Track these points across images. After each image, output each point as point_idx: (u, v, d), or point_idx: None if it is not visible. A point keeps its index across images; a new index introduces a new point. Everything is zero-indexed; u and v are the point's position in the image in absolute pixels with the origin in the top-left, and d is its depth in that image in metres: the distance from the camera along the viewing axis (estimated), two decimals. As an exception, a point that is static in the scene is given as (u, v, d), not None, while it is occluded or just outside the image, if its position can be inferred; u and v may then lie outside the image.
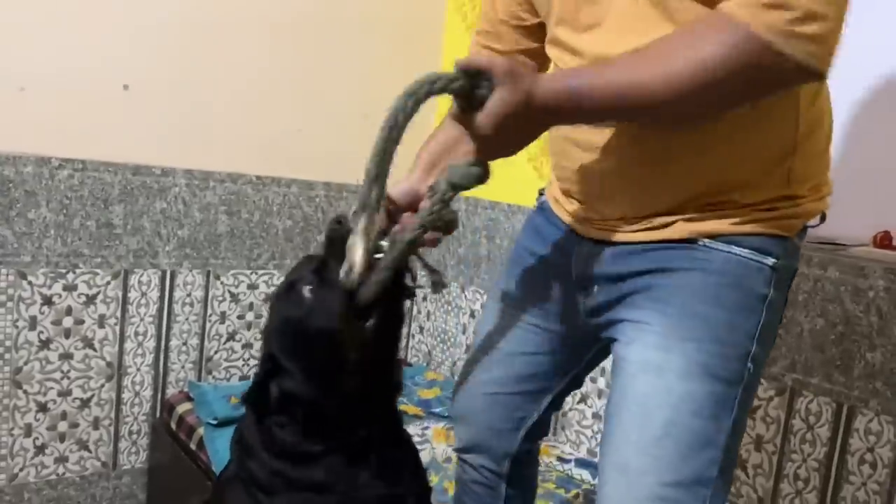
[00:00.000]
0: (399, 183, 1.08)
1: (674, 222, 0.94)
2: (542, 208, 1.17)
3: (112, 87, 2.00)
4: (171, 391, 2.21)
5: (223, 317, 2.27)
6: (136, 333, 2.13)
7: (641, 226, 0.96)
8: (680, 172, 0.93)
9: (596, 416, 2.04)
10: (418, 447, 1.95)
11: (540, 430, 1.22)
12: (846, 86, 1.80)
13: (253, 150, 2.25)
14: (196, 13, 2.08)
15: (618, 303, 0.99)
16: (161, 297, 2.16)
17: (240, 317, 2.30)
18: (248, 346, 2.33)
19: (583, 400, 2.07)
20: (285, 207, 2.32)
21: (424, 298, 2.66)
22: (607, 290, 1.00)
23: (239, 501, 1.19)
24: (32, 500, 2.05)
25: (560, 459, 1.98)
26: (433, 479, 1.82)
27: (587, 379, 1.27)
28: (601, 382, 2.02)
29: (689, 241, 0.93)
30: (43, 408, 2.02)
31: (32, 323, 1.97)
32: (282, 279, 1.16)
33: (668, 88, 0.79)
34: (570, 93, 0.82)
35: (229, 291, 2.27)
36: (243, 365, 2.34)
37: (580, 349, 1.15)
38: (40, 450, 2.04)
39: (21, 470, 2.02)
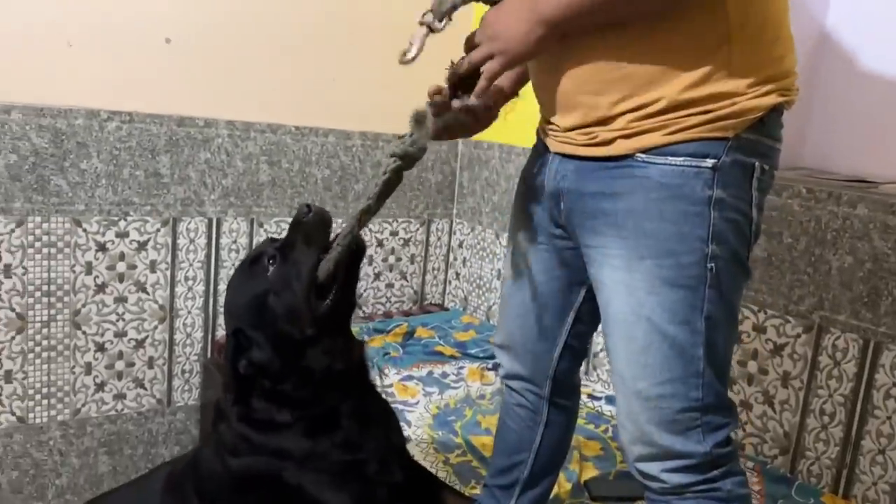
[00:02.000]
0: None
1: (613, 139, 0.99)
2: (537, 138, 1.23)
3: (154, 41, 2.08)
4: (220, 332, 2.32)
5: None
6: (186, 278, 2.24)
7: (589, 139, 1.02)
8: (608, 69, 0.97)
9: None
10: (454, 386, 2.05)
11: (575, 350, 1.28)
12: (881, 25, 1.78)
13: (291, 101, 2.31)
14: (233, -34, 2.14)
15: (585, 225, 1.05)
16: (208, 244, 2.26)
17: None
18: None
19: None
20: (324, 157, 2.39)
21: (460, 245, 2.72)
22: (574, 206, 1.07)
23: (207, 459, 1.34)
24: (94, 434, 2.19)
25: (591, 397, 2.04)
26: (467, 414, 1.90)
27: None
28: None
29: (628, 157, 0.98)
30: (101, 348, 2.15)
31: (88, 268, 2.09)
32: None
33: None
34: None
35: (272, 238, 2.36)
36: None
37: (578, 263, 1.19)
38: (100, 387, 2.17)
39: (83, 405, 2.16)
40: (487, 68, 1.00)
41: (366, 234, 2.54)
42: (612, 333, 1.04)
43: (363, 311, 2.59)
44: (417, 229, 2.68)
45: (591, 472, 1.66)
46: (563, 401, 1.31)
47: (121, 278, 2.14)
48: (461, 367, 2.18)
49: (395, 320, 2.46)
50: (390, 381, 2.04)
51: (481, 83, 1.01)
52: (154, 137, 2.11)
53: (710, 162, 0.95)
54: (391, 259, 2.64)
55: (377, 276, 2.62)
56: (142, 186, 2.12)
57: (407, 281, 2.70)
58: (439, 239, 2.75)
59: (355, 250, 1.18)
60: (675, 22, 0.94)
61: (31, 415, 2.09)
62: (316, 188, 2.39)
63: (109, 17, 1.99)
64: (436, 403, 1.94)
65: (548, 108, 1.11)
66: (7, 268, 1.98)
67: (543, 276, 1.21)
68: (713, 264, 0.96)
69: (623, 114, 0.98)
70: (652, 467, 1.02)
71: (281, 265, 1.21)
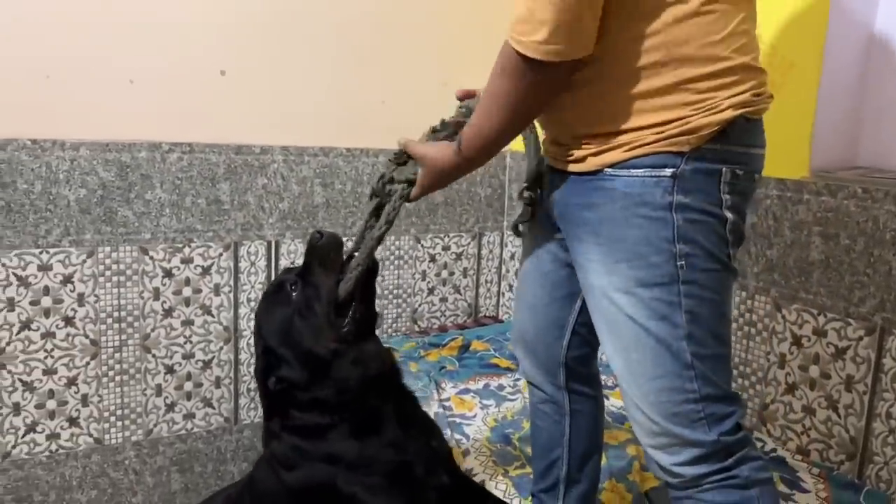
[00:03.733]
0: None
1: (585, 157, 1.07)
2: None
3: (210, 74, 2.16)
4: (281, 352, 2.39)
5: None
6: (249, 299, 2.32)
7: (570, 157, 1.10)
8: (574, 116, 1.09)
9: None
10: (511, 398, 2.07)
11: (584, 337, 1.32)
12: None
13: (342, 125, 2.38)
14: (282, 1, 2.22)
15: (571, 233, 1.14)
16: (268, 266, 2.33)
17: (339, 281, 2.46)
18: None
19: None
20: (375, 176, 2.44)
21: (512, 257, 2.74)
22: (562, 212, 1.16)
23: (262, 479, 1.41)
24: (166, 453, 2.28)
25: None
26: (524, 426, 1.92)
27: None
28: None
29: (599, 172, 1.06)
30: (170, 370, 2.24)
31: (156, 294, 2.18)
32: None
33: (500, 124, 1.07)
34: (455, 151, 1.14)
35: (288, 268, 2.42)
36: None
37: None
38: (170, 407, 2.26)
39: (155, 426, 2.25)
40: None
41: (418, 251, 2.59)
42: (603, 333, 1.11)
43: (418, 326, 2.64)
44: (469, 243, 2.71)
45: (652, 483, 1.66)
46: (582, 388, 1.36)
47: (187, 302, 2.23)
48: (517, 379, 2.20)
49: (451, 334, 2.49)
50: (447, 395, 2.07)
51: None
52: (213, 166, 2.20)
53: (668, 171, 1.01)
54: (444, 273, 2.68)
55: (431, 290, 2.66)
56: (204, 213, 2.21)
57: (461, 294, 2.73)
58: (491, 251, 2.78)
59: (371, 268, 1.30)
60: (598, 81, 1.03)
61: (107, 436, 2.19)
62: (368, 207, 2.44)
63: (167, 54, 2.09)
64: (493, 416, 1.96)
65: (545, 131, 1.25)
66: (81, 296, 2.08)
67: (551, 264, 1.28)
68: (682, 262, 1.01)
69: (590, 139, 1.07)
70: (666, 459, 1.06)
71: (303, 289, 1.31)
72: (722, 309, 1.07)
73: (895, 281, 1.62)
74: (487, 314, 2.80)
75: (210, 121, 2.18)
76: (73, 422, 2.13)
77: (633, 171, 1.02)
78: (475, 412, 1.98)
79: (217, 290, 2.27)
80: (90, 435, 2.16)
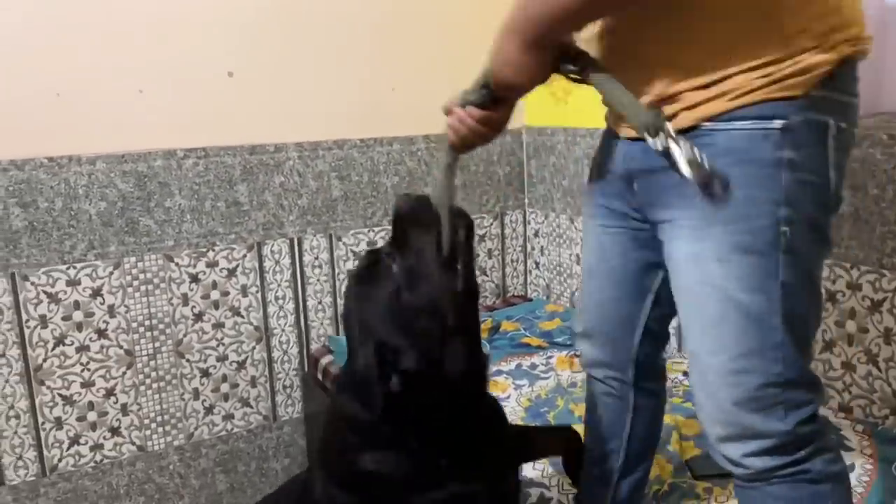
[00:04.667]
0: None
1: (676, 113, 0.96)
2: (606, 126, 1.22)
3: (218, 76, 2.16)
4: (314, 346, 2.41)
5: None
6: (276, 298, 2.33)
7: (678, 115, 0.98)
8: (660, 54, 0.96)
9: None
10: (544, 376, 2.06)
11: (656, 333, 1.26)
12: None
13: (353, 116, 2.37)
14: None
15: (656, 202, 1.04)
16: (292, 263, 2.34)
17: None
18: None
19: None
20: (391, 165, 2.44)
21: (536, 234, 2.72)
22: (645, 185, 1.06)
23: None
24: (209, 455, 2.31)
25: (685, 374, 2.01)
26: (559, 403, 1.91)
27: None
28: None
29: (694, 128, 0.95)
30: (205, 373, 2.26)
31: (185, 299, 2.20)
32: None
33: None
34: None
35: (351, 250, 2.42)
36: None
37: (654, 244, 1.15)
38: (209, 410, 2.29)
39: (195, 429, 2.28)
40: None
41: (441, 235, 2.58)
42: (685, 308, 1.03)
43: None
44: (491, 224, 2.69)
45: (692, 452, 1.64)
46: (649, 385, 1.29)
47: (216, 305, 2.25)
48: (550, 357, 2.19)
49: (481, 316, 2.48)
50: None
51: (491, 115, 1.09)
52: (229, 168, 2.20)
53: (778, 123, 0.91)
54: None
55: (458, 274, 2.65)
56: (224, 216, 2.21)
57: (487, 276, 2.72)
58: (514, 230, 2.76)
59: (468, 223, 1.14)
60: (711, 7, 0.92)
61: (149, 443, 2.22)
62: (386, 196, 2.44)
63: (172, 60, 2.09)
64: (527, 396, 1.96)
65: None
66: (111, 308, 2.11)
67: (620, 259, 1.20)
68: (787, 228, 0.93)
69: (682, 92, 0.96)
70: (734, 450, 1.00)
71: (403, 259, 1.07)
72: (816, 285, 1.00)
73: (929, 228, 1.57)
74: (516, 293, 2.78)
75: (222, 123, 2.18)
76: (114, 431, 2.17)
77: (736, 123, 0.92)
78: (509, 393, 1.97)
79: (244, 290, 2.28)
80: (133, 443, 2.20)
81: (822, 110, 0.93)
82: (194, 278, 2.21)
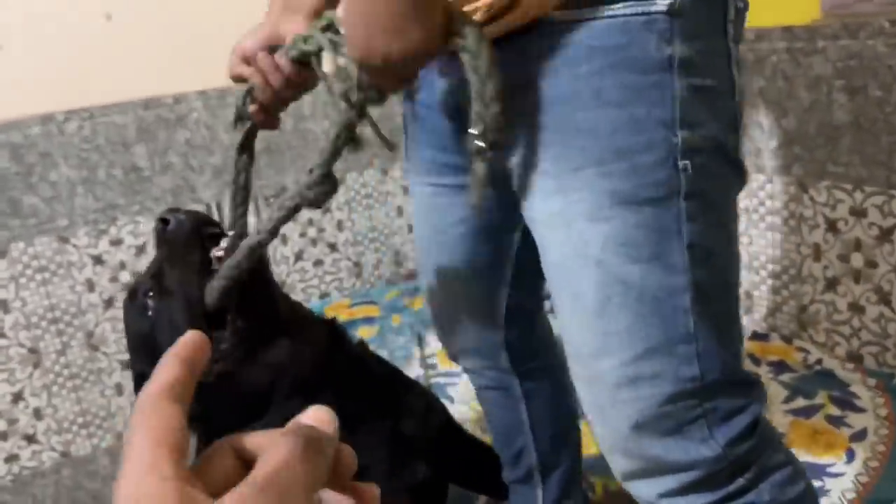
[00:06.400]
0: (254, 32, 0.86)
1: (514, 1, 0.63)
2: None
3: (94, 21, 1.84)
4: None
5: (284, 239, 2.14)
6: (198, 273, 2.05)
7: (484, 14, 0.64)
8: None
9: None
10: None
11: (523, 309, 0.98)
12: None
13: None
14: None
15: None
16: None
17: (302, 235, 2.17)
18: (318, 262, 2.21)
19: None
20: (318, 106, 2.13)
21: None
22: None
23: None
24: (144, 453, 2.07)
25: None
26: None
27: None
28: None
29: (542, 25, 0.65)
30: (127, 365, 2.00)
31: (90, 285, 1.92)
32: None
33: None
34: None
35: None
36: (319, 283, 2.22)
37: (502, 201, 0.84)
38: (136, 405, 2.04)
39: (125, 427, 2.03)
40: None
41: (387, 185, 2.28)
42: (555, 290, 0.72)
43: (404, 269, 2.35)
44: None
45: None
46: (532, 364, 1.02)
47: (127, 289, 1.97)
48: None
49: (437, 272, 2.20)
50: (432, 350, 1.79)
51: None
52: (121, 129, 1.90)
53: (662, 4, 0.62)
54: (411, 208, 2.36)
55: (411, 227, 2.35)
56: (123, 185, 1.92)
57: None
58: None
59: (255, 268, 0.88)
60: None
61: (72, 447, 1.98)
62: (317, 144, 2.13)
63: (37, 5, 1.76)
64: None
65: None
66: (4, 303, 1.83)
67: (458, 226, 0.89)
68: (686, 161, 0.64)
69: None
70: (646, 489, 0.71)
71: (159, 299, 0.94)
72: (733, 235, 0.71)
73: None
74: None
75: (106, 76, 1.87)
76: (30, 439, 1.92)
77: (598, 11, 0.63)
78: (461, 366, 1.70)
79: (158, 268, 2.00)
80: (53, 449, 1.95)
81: None
82: (97, 260, 1.92)
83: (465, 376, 1.65)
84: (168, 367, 0.36)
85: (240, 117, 0.86)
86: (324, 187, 0.71)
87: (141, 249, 1.96)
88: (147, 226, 1.96)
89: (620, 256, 0.65)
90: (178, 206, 1.94)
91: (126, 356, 1.94)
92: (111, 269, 1.94)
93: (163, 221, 0.93)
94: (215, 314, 0.89)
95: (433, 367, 1.71)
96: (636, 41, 0.62)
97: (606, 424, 0.71)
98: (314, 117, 2.12)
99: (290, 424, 0.35)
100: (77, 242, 1.89)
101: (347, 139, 0.68)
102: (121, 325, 1.92)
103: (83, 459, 2.00)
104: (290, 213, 0.74)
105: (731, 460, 0.68)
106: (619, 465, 0.72)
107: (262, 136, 2.07)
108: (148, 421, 0.33)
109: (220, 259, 0.87)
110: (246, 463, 0.34)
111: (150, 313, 0.93)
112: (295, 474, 0.31)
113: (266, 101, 0.80)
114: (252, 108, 0.82)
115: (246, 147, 0.91)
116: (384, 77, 0.62)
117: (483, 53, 0.58)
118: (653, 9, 0.62)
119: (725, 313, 0.69)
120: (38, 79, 1.80)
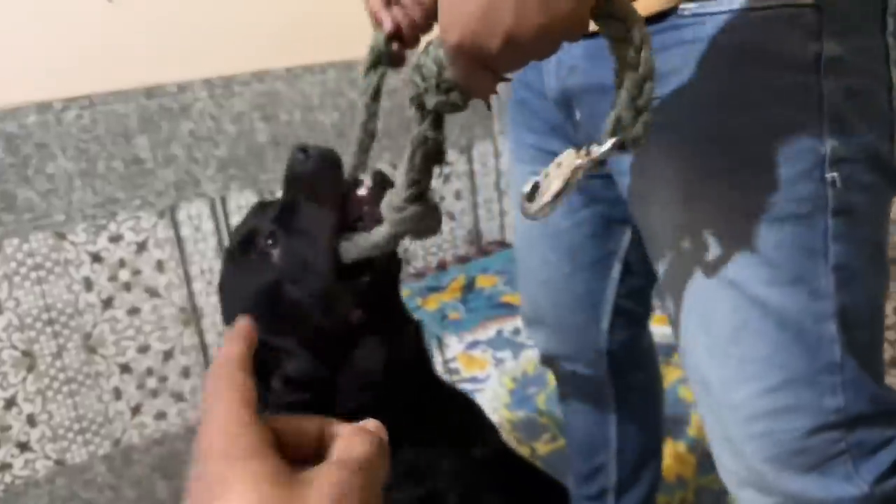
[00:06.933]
0: None
1: None
2: None
3: (95, 4, 1.73)
4: (255, 324, 2.04)
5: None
6: (202, 271, 1.95)
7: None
8: None
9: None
10: (529, 344, 1.68)
11: (630, 312, 0.91)
12: None
13: (275, 39, 1.95)
14: None
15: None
16: (217, 228, 1.95)
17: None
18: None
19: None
20: (327, 97, 2.04)
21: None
22: (591, 111, 0.67)
23: None
24: (143, 461, 1.97)
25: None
26: (550, 380, 1.56)
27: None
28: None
29: (668, 15, 0.57)
30: (125, 368, 1.90)
31: (87, 284, 1.82)
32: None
33: None
34: None
35: (262, 203, 2.04)
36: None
37: (613, 194, 0.79)
38: (136, 410, 1.93)
39: (123, 434, 1.93)
40: None
41: (395, 178, 2.18)
42: (680, 313, 0.65)
43: (413, 268, 2.25)
44: (457, 159, 2.30)
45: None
46: (633, 376, 0.95)
47: (127, 287, 1.86)
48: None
49: (451, 272, 2.11)
50: (453, 353, 1.71)
51: None
52: (122, 118, 1.79)
53: None
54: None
55: (421, 222, 2.27)
56: (123, 178, 1.81)
57: (456, 221, 2.34)
58: (484, 165, 2.37)
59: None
60: None
61: (68, 455, 1.87)
62: (326, 136, 2.05)
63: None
64: (510, 374, 1.60)
65: None
66: (-4, 303, 1.73)
67: (567, 219, 0.83)
68: (834, 173, 0.56)
69: None
70: None
71: (287, 241, 0.84)
72: (884, 252, 0.63)
73: None
74: (492, 240, 2.42)
75: (107, 63, 1.77)
76: (23, 447, 1.82)
77: (736, 3, 0.55)
78: (488, 371, 1.62)
79: (160, 266, 1.89)
80: (48, 457, 1.85)
81: None
82: (96, 257, 1.82)
83: (491, 382, 1.57)
84: (235, 342, 0.41)
85: (377, 62, 0.79)
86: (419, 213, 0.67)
87: (142, 246, 1.86)
88: (149, 221, 1.85)
89: (758, 278, 0.58)
90: (183, 199, 1.85)
91: (124, 359, 1.85)
92: (110, 267, 1.84)
93: (302, 151, 0.84)
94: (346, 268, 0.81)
95: (456, 371, 1.62)
96: (777, 37, 0.55)
97: (737, 458, 0.63)
98: (322, 108, 2.03)
99: (362, 425, 0.38)
100: (74, 239, 1.79)
101: (430, 157, 0.60)
102: (119, 326, 1.83)
103: (79, 468, 1.90)
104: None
105: (878, 499, 0.60)
106: (751, 501, 0.64)
107: (268, 128, 1.97)
108: (232, 383, 0.37)
109: (361, 201, 0.81)
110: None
111: (275, 261, 0.83)
112: (376, 469, 0.34)
113: (409, 38, 0.74)
114: (395, 46, 0.75)
115: (378, 93, 0.83)
116: (483, 68, 0.50)
117: (646, 47, 0.48)
118: (798, 0, 0.54)
119: (871, 339, 0.62)
120: (35, 65, 1.70)
